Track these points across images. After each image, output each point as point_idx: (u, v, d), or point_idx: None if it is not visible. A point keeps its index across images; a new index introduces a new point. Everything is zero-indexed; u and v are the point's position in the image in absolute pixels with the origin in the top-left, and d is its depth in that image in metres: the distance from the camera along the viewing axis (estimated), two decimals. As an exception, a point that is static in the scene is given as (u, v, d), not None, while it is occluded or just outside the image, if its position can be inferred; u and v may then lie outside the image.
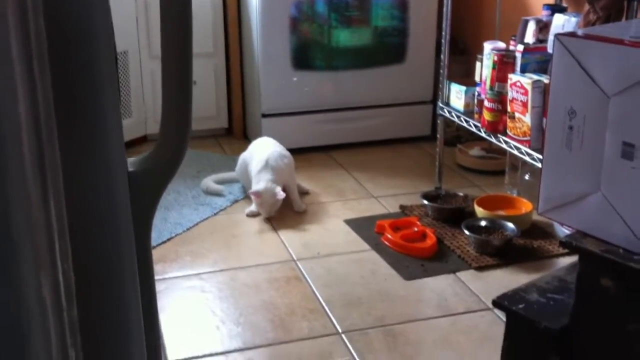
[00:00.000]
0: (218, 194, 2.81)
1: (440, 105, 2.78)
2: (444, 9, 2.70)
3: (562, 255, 2.30)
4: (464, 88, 2.65)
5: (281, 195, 2.55)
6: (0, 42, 0.42)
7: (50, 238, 0.47)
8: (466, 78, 2.90)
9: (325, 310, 2.02)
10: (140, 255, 0.66)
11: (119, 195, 0.62)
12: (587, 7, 1.96)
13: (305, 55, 3.25)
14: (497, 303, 1.38)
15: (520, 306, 1.34)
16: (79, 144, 0.59)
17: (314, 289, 2.13)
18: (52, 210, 0.47)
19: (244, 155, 2.82)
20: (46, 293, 0.47)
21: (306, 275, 2.22)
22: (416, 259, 2.30)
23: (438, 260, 2.30)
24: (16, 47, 0.43)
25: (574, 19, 2.20)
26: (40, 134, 0.45)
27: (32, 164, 0.45)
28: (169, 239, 2.46)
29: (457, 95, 2.69)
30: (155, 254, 2.35)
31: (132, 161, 0.69)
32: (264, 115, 3.24)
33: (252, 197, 2.59)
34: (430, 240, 2.37)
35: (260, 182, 2.58)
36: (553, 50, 1.32)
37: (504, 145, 2.38)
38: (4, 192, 0.45)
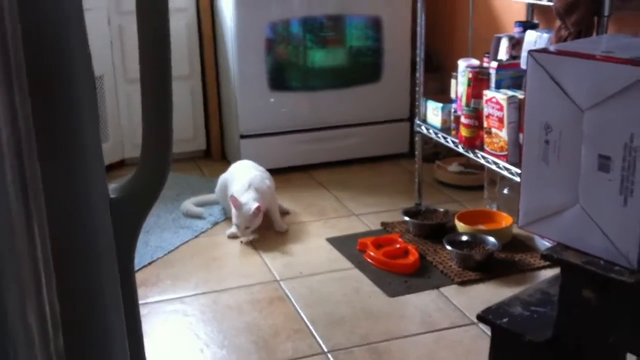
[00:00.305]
0: (198, 217, 2.79)
1: (418, 122, 2.80)
2: (418, 28, 2.73)
3: (544, 267, 2.32)
4: (440, 105, 2.68)
5: (255, 210, 2.52)
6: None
7: (35, 266, 0.46)
8: (442, 95, 2.94)
9: (309, 330, 2.01)
10: (124, 281, 0.65)
11: (100, 222, 0.62)
12: (558, 23, 2.00)
13: (282, 76, 3.26)
14: (481, 317, 1.39)
15: (504, 320, 1.35)
16: (59, 171, 0.58)
17: (298, 309, 2.12)
18: (36, 238, 0.46)
19: (224, 177, 2.81)
20: (32, 321, 0.46)
21: (289, 296, 2.21)
22: (399, 276, 2.30)
23: (421, 276, 2.30)
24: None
25: (545, 35, 2.24)
26: (23, 163, 0.45)
27: (15, 194, 0.44)
28: (150, 263, 2.44)
29: (433, 112, 2.72)
30: (137, 278, 2.31)
31: (113, 187, 0.69)
32: (242, 137, 3.24)
33: (231, 204, 2.56)
34: (413, 256, 2.38)
35: (242, 198, 2.57)
36: (527, 66, 1.34)
37: (482, 161, 2.41)
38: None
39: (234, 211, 2.56)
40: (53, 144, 0.56)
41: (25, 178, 0.45)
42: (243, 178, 2.69)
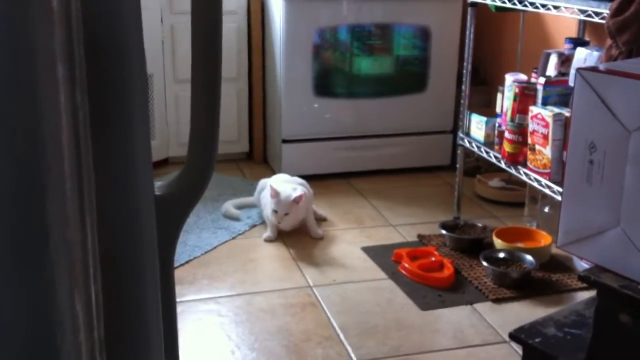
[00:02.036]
0: (236, 219, 2.83)
1: (461, 135, 2.79)
2: (466, 40, 2.72)
3: (581, 289, 2.28)
4: (484, 119, 2.66)
5: (297, 197, 2.57)
6: (48, 69, 0.44)
7: (85, 257, 0.48)
8: (486, 108, 2.92)
9: (340, 338, 2.02)
10: (163, 278, 0.67)
11: (145, 218, 0.64)
12: (609, 41, 1.97)
13: (327, 82, 3.28)
14: (514, 336, 1.37)
15: (537, 340, 1.33)
16: (109, 167, 0.60)
17: (330, 316, 2.13)
18: (88, 230, 0.48)
19: (264, 181, 2.85)
20: (79, 310, 0.48)
21: (322, 302, 2.21)
22: (433, 289, 2.29)
23: (455, 291, 2.29)
24: (62, 72, 0.45)
25: (596, 53, 2.21)
26: (80, 158, 0.47)
27: (71, 186, 0.46)
28: (187, 262, 2.48)
29: (477, 126, 2.70)
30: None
31: (158, 185, 0.71)
32: (284, 141, 3.26)
33: (269, 194, 2.60)
34: (448, 270, 2.36)
35: (281, 189, 2.62)
36: (574, 84, 1.32)
37: (524, 177, 2.38)
38: (44, 210, 0.47)
39: (272, 201, 2.59)
40: (105, 140, 0.58)
41: (81, 172, 0.47)
42: (283, 181, 2.74)
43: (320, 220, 2.84)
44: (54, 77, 0.45)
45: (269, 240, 2.66)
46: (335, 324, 2.08)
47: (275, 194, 2.59)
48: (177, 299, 2.21)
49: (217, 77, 0.72)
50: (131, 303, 0.63)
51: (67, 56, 0.45)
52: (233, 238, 2.68)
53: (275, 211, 2.59)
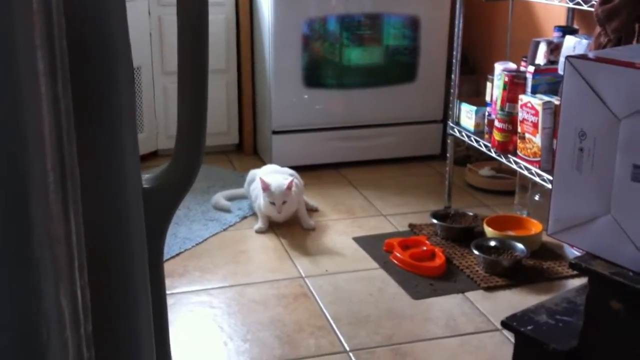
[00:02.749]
0: (226, 210, 2.82)
1: (451, 124, 2.79)
2: (455, 29, 2.72)
3: (572, 276, 2.29)
4: (474, 108, 2.66)
5: (288, 184, 2.58)
6: (28, 60, 0.44)
7: (70, 252, 0.48)
8: (476, 97, 2.92)
9: (332, 327, 2.02)
10: (152, 271, 0.67)
11: (133, 211, 0.63)
12: (598, 29, 1.97)
13: (317, 73, 3.27)
14: (506, 324, 1.38)
15: (529, 327, 1.34)
16: (96, 160, 0.60)
17: (322, 306, 2.13)
18: (72, 225, 0.48)
19: (254, 172, 2.84)
20: (65, 306, 0.48)
21: (314, 292, 2.22)
22: (425, 278, 2.30)
23: (447, 279, 2.29)
24: (42, 64, 0.44)
25: (585, 41, 2.21)
26: (63, 150, 0.46)
27: (54, 180, 0.46)
28: (178, 254, 2.47)
29: (467, 115, 2.70)
30: (165, 268, 2.36)
31: (146, 178, 0.70)
32: (275, 132, 3.25)
33: (261, 187, 2.59)
34: (439, 259, 2.37)
35: (270, 180, 2.62)
36: (564, 72, 1.32)
37: (514, 166, 2.39)
38: (27, 205, 0.46)
39: (264, 194, 2.58)
40: (92, 133, 0.58)
41: (64, 165, 0.47)
42: (273, 172, 2.74)
43: (312, 211, 2.84)
44: (34, 69, 0.44)
45: (260, 232, 2.65)
46: (327, 314, 2.09)
47: (266, 186, 2.58)
48: (169, 291, 2.20)
49: (204, 70, 0.72)
50: (120, 296, 0.63)
51: (47, 48, 0.44)
52: (224, 230, 2.68)
53: (272, 203, 2.58)
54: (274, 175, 2.69)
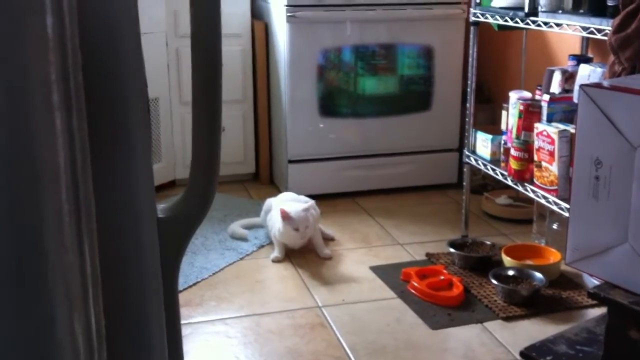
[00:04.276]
0: (243, 239, 2.83)
1: (467, 153, 2.78)
2: (470, 58, 2.73)
3: (591, 306, 2.26)
4: (490, 136, 2.66)
5: (306, 207, 2.61)
6: (43, 94, 0.45)
7: (84, 280, 0.48)
8: (491, 126, 2.92)
9: (350, 358, 2.00)
10: (167, 301, 0.67)
11: (147, 241, 0.64)
12: (612, 58, 1.97)
13: (332, 103, 3.29)
14: (525, 354, 1.36)
15: (549, 358, 1.32)
16: (110, 189, 0.61)
17: (339, 337, 2.12)
18: (86, 254, 0.49)
19: (270, 201, 2.85)
20: (79, 333, 0.48)
21: (331, 322, 2.20)
22: (443, 308, 2.28)
23: (465, 309, 2.27)
24: (57, 97, 0.45)
25: (599, 70, 2.21)
26: (77, 181, 0.47)
27: (69, 211, 0.47)
28: (195, 284, 2.47)
29: (483, 144, 2.70)
30: (181, 298, 2.36)
31: (161, 208, 0.71)
32: (291, 161, 3.27)
33: (281, 217, 2.60)
34: (457, 289, 2.35)
35: (289, 208, 2.63)
36: (578, 100, 1.32)
37: (531, 194, 2.37)
38: (41, 233, 0.47)
39: (284, 222, 2.59)
40: (106, 163, 0.59)
41: (78, 196, 0.48)
42: (290, 200, 2.75)
43: (328, 240, 2.84)
44: (49, 103, 0.45)
45: (276, 261, 2.65)
46: (344, 344, 2.07)
47: (286, 215, 2.58)
48: (185, 321, 2.20)
49: (218, 104, 0.73)
50: (135, 327, 0.63)
51: (62, 81, 0.45)
52: (241, 259, 2.68)
53: (296, 230, 2.59)
54: (292, 204, 2.69)
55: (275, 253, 2.67)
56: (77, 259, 0.48)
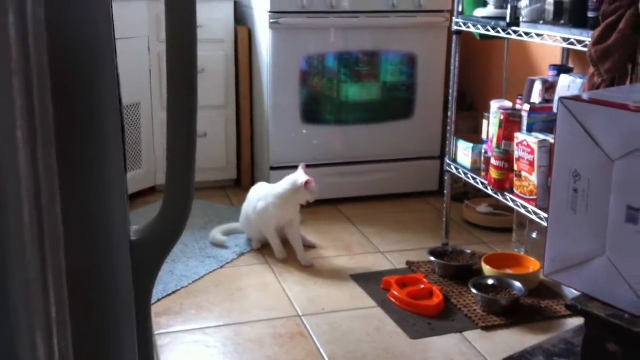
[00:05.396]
0: (222, 246, 2.82)
1: (448, 161, 2.79)
2: (452, 67, 2.74)
3: (570, 316, 2.27)
4: (471, 145, 2.67)
5: (304, 182, 2.70)
6: (6, 127, 0.44)
7: (47, 313, 0.47)
8: (474, 134, 2.93)
9: (329, 368, 1.99)
10: (140, 325, 0.66)
11: (120, 264, 0.63)
12: (592, 69, 1.99)
13: (315, 109, 3.29)
14: (503, 366, 1.36)
15: (526, 370, 1.32)
16: (79, 209, 0.59)
17: (319, 346, 2.11)
18: (50, 285, 0.47)
19: (246, 206, 2.85)
20: (41, 351, 0.47)
21: (311, 332, 2.19)
22: (423, 317, 2.28)
23: (445, 318, 2.27)
24: (22, 132, 0.44)
25: (579, 80, 2.23)
26: (41, 207, 0.46)
27: (32, 238, 0.45)
28: (174, 292, 2.45)
29: (464, 152, 2.71)
30: (161, 306, 2.34)
31: (134, 230, 0.70)
32: (273, 168, 3.26)
33: (310, 185, 2.70)
34: (437, 298, 2.35)
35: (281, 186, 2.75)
36: (557, 113, 1.33)
37: (510, 204, 2.38)
38: (5, 258, 0.46)
39: (306, 191, 2.70)
40: (74, 177, 0.57)
41: (42, 223, 0.47)
42: (263, 187, 2.85)
43: (310, 247, 2.83)
44: (12, 136, 0.44)
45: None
46: (324, 354, 2.06)
47: (313, 184, 2.69)
48: (164, 330, 2.18)
49: (193, 109, 0.72)
50: (105, 352, 0.62)
51: (28, 111, 0.44)
52: (221, 267, 2.66)
53: (313, 193, 2.71)
54: (283, 183, 2.77)
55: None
56: (40, 280, 0.47)
